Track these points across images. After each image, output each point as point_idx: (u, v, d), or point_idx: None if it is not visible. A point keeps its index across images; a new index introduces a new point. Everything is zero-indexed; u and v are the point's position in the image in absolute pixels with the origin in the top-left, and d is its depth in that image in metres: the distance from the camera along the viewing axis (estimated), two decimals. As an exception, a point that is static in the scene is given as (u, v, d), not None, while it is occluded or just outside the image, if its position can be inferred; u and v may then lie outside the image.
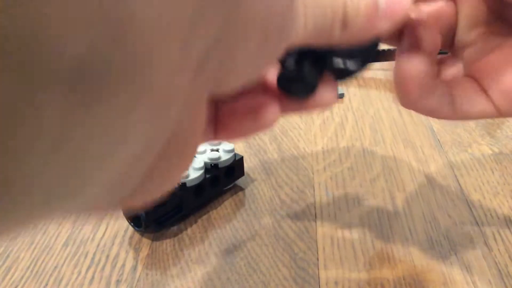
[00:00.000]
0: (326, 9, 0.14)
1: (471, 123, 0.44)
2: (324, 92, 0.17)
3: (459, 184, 0.37)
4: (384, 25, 0.15)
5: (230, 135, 0.17)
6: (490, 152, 0.40)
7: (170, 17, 0.08)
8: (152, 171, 0.11)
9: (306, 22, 0.14)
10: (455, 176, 0.38)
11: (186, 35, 0.09)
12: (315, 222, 0.33)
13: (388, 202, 0.35)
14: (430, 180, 0.37)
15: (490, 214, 0.34)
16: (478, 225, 0.33)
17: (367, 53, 0.18)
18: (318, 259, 0.30)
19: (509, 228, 0.33)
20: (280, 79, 0.17)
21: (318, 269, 0.30)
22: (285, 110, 0.17)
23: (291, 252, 0.31)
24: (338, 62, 0.17)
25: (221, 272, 0.30)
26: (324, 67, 0.17)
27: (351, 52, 0.17)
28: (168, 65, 0.09)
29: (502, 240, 0.32)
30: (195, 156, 0.16)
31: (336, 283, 0.29)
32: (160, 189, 0.13)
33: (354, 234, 0.32)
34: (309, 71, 0.16)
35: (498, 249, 0.31)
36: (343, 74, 0.18)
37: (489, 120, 0.45)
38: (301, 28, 0.13)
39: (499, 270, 0.29)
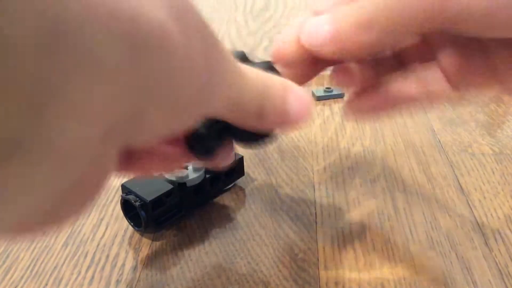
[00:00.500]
0: (248, 100, 0.15)
1: (472, 123, 0.44)
2: (221, 155, 0.20)
3: (460, 184, 0.37)
4: (293, 123, 0.18)
5: (137, 172, 0.19)
6: (491, 152, 0.40)
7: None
8: (60, 204, 0.12)
9: (226, 104, 0.15)
10: (456, 176, 0.38)
11: (95, 120, 0.10)
12: (315, 222, 0.33)
13: (388, 202, 0.35)
14: (430, 180, 0.37)
15: (491, 214, 0.34)
16: (479, 225, 0.33)
17: (270, 136, 0.20)
18: (318, 259, 0.30)
19: (509, 228, 0.32)
20: (188, 137, 0.19)
21: (318, 269, 0.30)
22: (189, 161, 0.20)
23: (291, 252, 0.31)
24: (242, 134, 0.19)
25: (221, 272, 0.30)
26: (227, 135, 0.20)
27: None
28: (74, 138, 0.10)
29: (503, 240, 0.32)
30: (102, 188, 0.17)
31: (336, 283, 0.29)
32: (70, 217, 0.13)
33: (355, 234, 0.32)
34: (212, 138, 0.19)
35: (499, 249, 0.31)
36: (244, 144, 0.20)
37: (490, 120, 0.45)
38: (219, 107, 0.15)
39: (500, 270, 0.29)
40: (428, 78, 0.23)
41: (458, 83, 0.22)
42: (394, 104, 0.23)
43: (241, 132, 0.18)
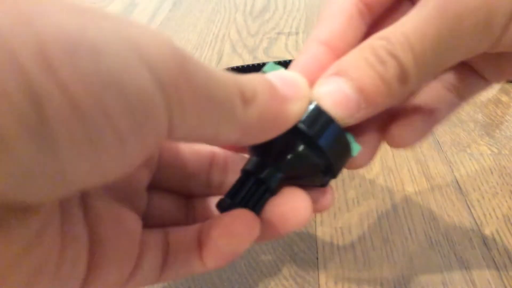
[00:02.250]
0: (218, 93, 0.13)
1: (471, 124, 0.44)
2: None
3: (458, 184, 0.37)
4: (295, 106, 0.15)
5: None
6: (489, 152, 0.41)
7: None
8: None
9: (186, 114, 0.12)
10: (454, 176, 0.38)
11: None
12: (315, 222, 0.34)
13: (387, 202, 0.35)
14: (429, 180, 0.37)
15: (489, 214, 0.34)
16: (477, 225, 0.33)
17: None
18: (317, 259, 0.31)
19: (508, 228, 0.33)
20: (219, 204, 0.18)
21: (318, 268, 0.30)
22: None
23: (291, 251, 0.31)
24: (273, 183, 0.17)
25: (221, 272, 0.30)
26: (262, 195, 0.17)
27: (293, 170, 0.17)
28: None
29: (501, 240, 0.32)
30: None
31: (335, 282, 0.29)
32: None
33: (354, 234, 0.32)
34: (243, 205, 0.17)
35: (497, 249, 0.31)
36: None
37: (488, 121, 0.45)
38: (178, 124, 0.12)
39: (498, 270, 0.29)
40: (454, 79, 0.21)
41: (487, 76, 0.21)
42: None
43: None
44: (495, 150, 0.41)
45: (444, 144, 0.42)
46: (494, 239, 0.32)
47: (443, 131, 0.44)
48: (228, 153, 0.21)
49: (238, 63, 0.56)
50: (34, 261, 0.11)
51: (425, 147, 0.41)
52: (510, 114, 0.46)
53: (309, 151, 0.17)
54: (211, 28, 0.67)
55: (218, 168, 0.21)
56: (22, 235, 0.11)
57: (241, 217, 0.16)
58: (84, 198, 0.15)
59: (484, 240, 0.32)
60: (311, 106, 0.16)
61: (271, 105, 0.15)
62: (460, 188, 0.36)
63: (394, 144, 0.20)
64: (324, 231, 0.33)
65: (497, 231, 0.32)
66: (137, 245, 0.16)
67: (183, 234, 0.18)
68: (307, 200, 0.17)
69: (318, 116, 0.16)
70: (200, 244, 0.17)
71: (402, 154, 0.41)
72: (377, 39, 0.16)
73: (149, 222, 0.18)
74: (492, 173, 0.38)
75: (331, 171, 0.18)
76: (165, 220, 0.19)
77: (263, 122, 0.14)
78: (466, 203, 0.35)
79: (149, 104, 0.10)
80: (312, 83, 0.17)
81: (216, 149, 0.21)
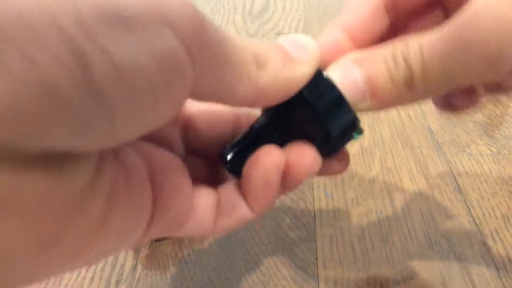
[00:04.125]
0: (234, 55, 0.14)
1: (470, 124, 0.44)
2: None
3: (458, 184, 0.37)
4: (304, 69, 0.16)
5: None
6: (488, 152, 0.41)
7: None
8: None
9: (207, 73, 0.13)
10: (454, 176, 0.38)
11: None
12: (314, 222, 0.34)
13: (386, 202, 0.35)
14: (428, 180, 0.37)
15: (489, 214, 0.34)
16: (477, 225, 0.33)
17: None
18: (317, 259, 0.31)
19: (507, 227, 0.33)
20: (221, 153, 0.20)
21: (317, 268, 0.30)
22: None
23: (290, 252, 0.31)
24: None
25: (221, 272, 0.30)
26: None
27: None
28: None
29: (501, 239, 0.32)
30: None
31: (335, 282, 0.29)
32: None
33: (353, 234, 0.32)
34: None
35: (497, 249, 0.31)
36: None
37: (488, 121, 0.45)
38: (199, 82, 0.13)
39: (497, 270, 0.29)
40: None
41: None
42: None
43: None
44: (494, 150, 0.41)
45: (443, 144, 0.42)
46: (493, 239, 0.32)
47: (442, 131, 0.44)
48: (252, 116, 0.21)
49: (238, 63, 0.55)
50: (103, 191, 0.13)
51: (424, 147, 0.41)
52: (509, 114, 0.46)
53: (309, 117, 0.17)
54: (210, 28, 0.67)
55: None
56: (83, 172, 0.12)
57: (269, 152, 0.17)
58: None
59: (483, 240, 0.32)
60: (322, 77, 0.17)
61: (283, 69, 0.16)
62: (459, 188, 0.36)
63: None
64: (323, 231, 0.33)
65: (496, 230, 0.32)
66: (190, 188, 0.18)
67: (226, 187, 0.19)
68: (313, 149, 0.18)
69: (325, 86, 0.17)
70: (243, 193, 0.18)
71: (402, 155, 0.41)
72: (398, 41, 0.17)
73: None
74: (491, 173, 0.38)
75: (330, 144, 0.18)
76: (196, 182, 0.20)
77: (275, 84, 0.15)
78: (466, 203, 0.35)
79: (178, 63, 0.12)
80: (327, 64, 0.18)
81: (240, 112, 0.21)
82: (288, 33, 0.64)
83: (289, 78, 0.16)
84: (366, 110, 0.18)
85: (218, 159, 0.20)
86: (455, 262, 0.30)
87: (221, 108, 0.21)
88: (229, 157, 0.19)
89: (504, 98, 0.49)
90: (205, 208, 0.18)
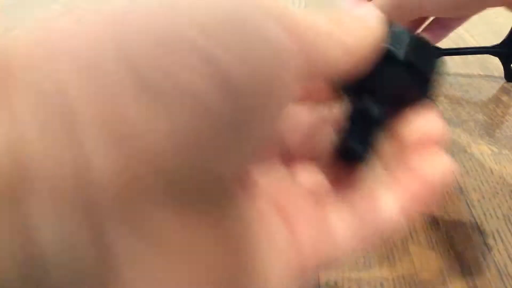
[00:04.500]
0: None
1: (471, 123, 0.44)
2: None
3: (459, 184, 0.37)
4: (374, 20, 0.16)
5: None
6: (490, 152, 0.40)
7: None
8: None
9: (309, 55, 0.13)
10: (455, 175, 0.38)
11: None
12: (315, 222, 0.33)
13: (387, 201, 0.35)
14: (429, 180, 0.37)
15: (490, 214, 0.34)
16: (478, 224, 0.33)
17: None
18: (317, 259, 0.30)
19: (508, 228, 0.33)
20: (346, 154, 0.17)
21: (318, 268, 0.30)
22: None
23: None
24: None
25: (221, 272, 0.30)
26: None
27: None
28: None
29: (502, 239, 0.32)
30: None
31: (335, 282, 0.29)
32: None
33: (354, 234, 0.32)
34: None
35: (498, 249, 0.31)
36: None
37: (489, 120, 0.45)
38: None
39: (498, 270, 0.29)
40: None
41: None
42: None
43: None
44: (496, 150, 0.41)
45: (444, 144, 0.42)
46: (495, 239, 0.32)
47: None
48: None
49: (238, 62, 0.55)
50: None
51: (425, 147, 0.41)
52: (511, 114, 0.46)
53: (401, 70, 0.16)
54: (211, 27, 0.67)
55: None
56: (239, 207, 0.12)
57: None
58: None
59: (485, 240, 0.32)
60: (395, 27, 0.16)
61: (361, 31, 0.15)
62: (460, 187, 0.36)
63: None
64: (324, 231, 0.33)
65: (497, 231, 0.32)
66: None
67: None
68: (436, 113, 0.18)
69: (400, 34, 0.16)
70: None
71: (402, 154, 0.40)
72: None
73: None
74: (492, 173, 0.38)
75: (429, 85, 0.17)
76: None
77: (357, 38, 0.15)
78: (467, 203, 0.35)
79: (287, 50, 0.12)
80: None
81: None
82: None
83: (371, 35, 0.15)
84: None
85: (335, 158, 0.18)
86: (456, 262, 0.30)
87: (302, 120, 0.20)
88: (355, 147, 0.17)
89: (505, 98, 0.49)
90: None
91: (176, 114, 0.09)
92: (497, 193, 0.36)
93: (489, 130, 0.43)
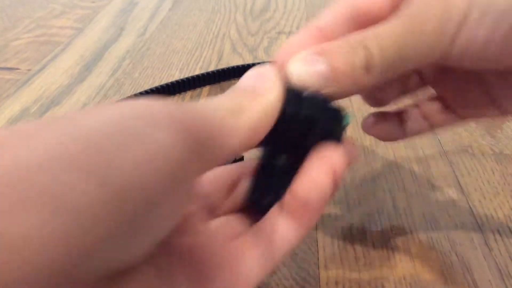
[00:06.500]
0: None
1: (472, 124, 0.44)
2: None
3: (460, 184, 0.37)
4: (274, 93, 0.18)
5: None
6: (491, 152, 0.40)
7: None
8: None
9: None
10: (456, 176, 0.38)
11: None
12: (316, 222, 0.33)
13: (388, 202, 0.35)
14: (430, 180, 0.37)
15: (491, 214, 0.34)
16: (479, 225, 0.33)
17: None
18: (318, 259, 0.30)
19: (509, 228, 0.33)
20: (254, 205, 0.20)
21: (319, 268, 0.30)
22: None
23: (291, 252, 0.31)
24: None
25: (222, 272, 0.30)
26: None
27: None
28: None
29: (503, 240, 0.32)
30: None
31: (336, 282, 0.29)
32: None
33: (355, 234, 0.32)
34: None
35: (499, 249, 0.31)
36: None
37: (490, 120, 0.45)
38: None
39: (500, 270, 0.29)
40: (430, 110, 0.25)
41: (459, 112, 0.24)
42: (405, 135, 0.26)
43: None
44: (497, 150, 0.41)
45: (445, 144, 0.42)
46: (496, 239, 0.32)
47: (444, 131, 0.43)
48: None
49: (238, 62, 0.55)
50: None
51: (426, 147, 0.41)
52: (512, 114, 0.46)
53: (303, 126, 0.18)
54: (211, 27, 0.67)
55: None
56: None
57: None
58: None
59: (486, 240, 0.32)
60: (294, 90, 0.18)
61: (257, 106, 0.17)
62: (461, 188, 0.36)
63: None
64: (325, 231, 0.33)
65: (498, 231, 0.32)
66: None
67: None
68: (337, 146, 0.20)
69: (298, 96, 0.18)
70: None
71: (403, 154, 0.40)
72: (355, 33, 0.19)
73: None
74: (493, 173, 0.38)
75: (332, 137, 0.19)
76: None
77: (259, 119, 0.17)
78: (468, 203, 0.35)
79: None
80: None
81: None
82: (289, 31, 0.64)
83: (266, 108, 0.17)
84: (329, 93, 0.19)
85: (246, 207, 0.21)
86: (457, 262, 0.30)
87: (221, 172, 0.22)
88: (258, 198, 0.20)
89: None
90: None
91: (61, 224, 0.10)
92: (498, 193, 0.36)
93: (491, 130, 0.43)
